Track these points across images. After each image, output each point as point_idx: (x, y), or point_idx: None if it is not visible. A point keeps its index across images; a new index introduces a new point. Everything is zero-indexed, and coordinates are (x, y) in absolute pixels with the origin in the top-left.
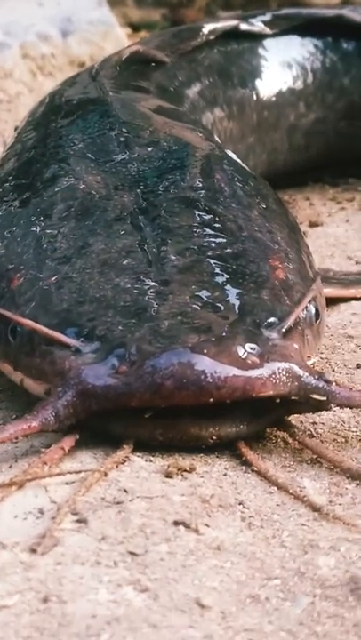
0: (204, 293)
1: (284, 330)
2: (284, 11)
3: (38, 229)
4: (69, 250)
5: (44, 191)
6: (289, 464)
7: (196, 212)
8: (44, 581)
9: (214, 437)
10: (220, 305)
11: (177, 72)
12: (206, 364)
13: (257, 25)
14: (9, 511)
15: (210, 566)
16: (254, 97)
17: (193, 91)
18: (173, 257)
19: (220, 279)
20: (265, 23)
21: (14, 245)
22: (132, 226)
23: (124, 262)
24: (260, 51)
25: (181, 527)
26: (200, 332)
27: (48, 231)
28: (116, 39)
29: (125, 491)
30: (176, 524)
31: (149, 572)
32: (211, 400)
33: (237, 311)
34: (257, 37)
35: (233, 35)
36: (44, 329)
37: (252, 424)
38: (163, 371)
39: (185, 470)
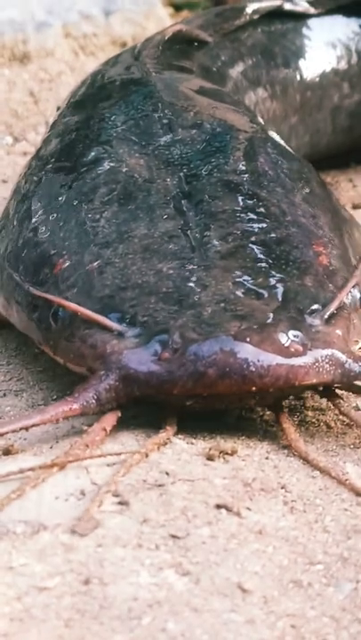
0: (247, 280)
1: (327, 316)
2: None
3: (81, 214)
4: (112, 235)
5: (86, 174)
6: (332, 448)
7: (240, 197)
8: (85, 563)
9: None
10: (263, 292)
11: (220, 52)
12: (249, 352)
13: (301, 4)
14: (50, 492)
15: (252, 550)
16: (298, 77)
17: (236, 71)
18: (216, 242)
19: (263, 265)
20: (309, 3)
21: (57, 230)
22: (175, 210)
23: (167, 247)
24: (304, 30)
25: (223, 510)
26: (243, 320)
27: (90, 215)
28: (159, 19)
29: (167, 473)
30: (218, 507)
31: (191, 555)
32: (253, 388)
33: (280, 298)
34: (301, 17)
35: (277, 14)
36: (88, 312)
37: None
38: (205, 359)
39: (227, 453)
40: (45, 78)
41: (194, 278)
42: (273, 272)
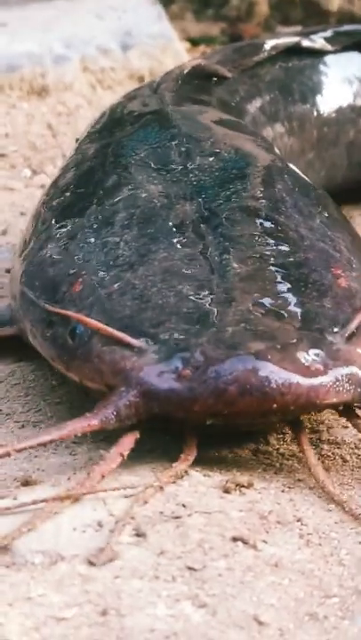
0: (266, 301)
1: (347, 336)
2: (345, 27)
3: (100, 236)
4: (131, 257)
5: (105, 199)
6: (347, 482)
7: (258, 221)
8: (103, 594)
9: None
10: (283, 312)
11: (238, 87)
12: (270, 371)
13: (318, 41)
14: (68, 523)
15: (268, 583)
16: (315, 113)
17: (254, 106)
18: (236, 265)
19: (282, 287)
20: (326, 39)
21: (76, 251)
22: (194, 234)
23: (187, 270)
24: (321, 67)
25: (239, 543)
26: (264, 339)
27: (110, 238)
28: (176, 53)
29: (184, 505)
30: (234, 539)
31: (207, 587)
32: (274, 406)
33: (300, 318)
34: (318, 54)
35: (294, 51)
36: (108, 328)
37: None
38: (227, 376)
39: (243, 486)
40: (63, 112)
41: (214, 300)
42: (292, 294)
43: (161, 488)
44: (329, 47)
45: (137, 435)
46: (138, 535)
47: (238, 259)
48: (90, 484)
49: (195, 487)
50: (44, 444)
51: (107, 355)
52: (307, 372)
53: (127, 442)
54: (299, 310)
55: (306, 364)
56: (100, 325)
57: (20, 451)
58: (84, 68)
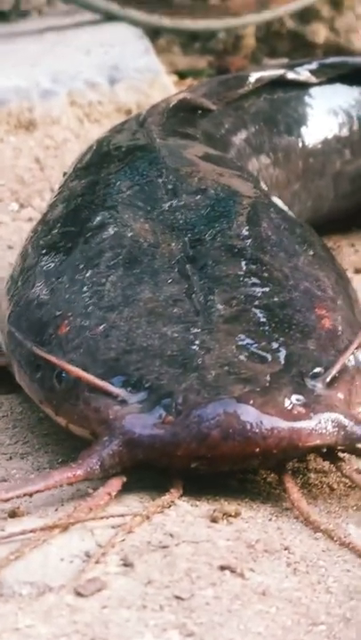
0: (250, 343)
1: (329, 379)
2: (331, 59)
3: (86, 277)
4: (117, 298)
5: (91, 238)
6: (334, 510)
7: (243, 261)
8: (91, 624)
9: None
10: (266, 355)
11: (224, 119)
12: (252, 415)
13: (303, 73)
14: (56, 554)
15: (255, 611)
16: (300, 144)
17: (239, 138)
18: (220, 306)
19: (266, 329)
20: (311, 72)
21: (62, 292)
22: (180, 274)
23: (171, 311)
24: (306, 98)
25: (227, 572)
26: (246, 383)
27: (96, 279)
28: (163, 87)
29: (171, 535)
30: (222, 568)
31: (195, 616)
32: (257, 450)
33: (283, 361)
34: (303, 86)
35: (279, 83)
36: (90, 377)
37: None
38: (209, 420)
39: (230, 515)
40: (51, 145)
41: (198, 342)
42: (276, 336)
43: (148, 518)
44: (314, 79)
45: (124, 478)
46: (125, 565)
47: (223, 300)
48: (77, 515)
49: (182, 517)
50: (30, 495)
51: (92, 402)
52: (289, 415)
53: (115, 483)
54: (282, 353)
55: (288, 407)
56: (82, 373)
57: (6, 500)
58: (71, 101)
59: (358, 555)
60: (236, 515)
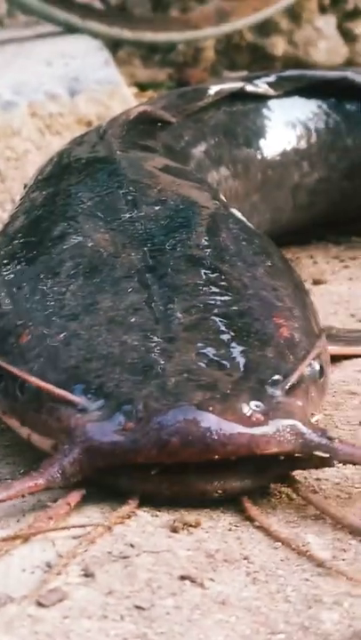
0: (209, 351)
1: (287, 387)
2: (289, 72)
3: (47, 286)
4: (77, 307)
5: (52, 249)
6: (293, 519)
7: (202, 271)
8: (52, 635)
9: (219, 491)
10: (225, 363)
11: (183, 132)
12: (212, 422)
13: (262, 86)
14: (17, 564)
15: (215, 620)
16: (259, 156)
17: (199, 150)
18: (180, 315)
19: (225, 337)
20: (270, 84)
21: (23, 302)
22: (140, 283)
23: (131, 320)
24: (265, 111)
25: (187, 582)
26: (206, 390)
27: (56, 288)
28: (123, 98)
29: (132, 545)
30: (182, 578)
31: (156, 626)
32: (216, 457)
33: (242, 369)
34: (262, 98)
35: (238, 96)
36: (50, 387)
37: (256, 479)
38: (169, 427)
39: (190, 525)
40: (12, 157)
41: (158, 349)
42: (235, 344)
43: (110, 529)
44: (272, 92)
45: (84, 491)
46: (86, 575)
47: (182, 308)
48: (38, 526)
49: (143, 527)
50: None
51: (54, 411)
52: (248, 422)
53: (75, 495)
54: (241, 360)
55: (247, 414)
56: (42, 383)
57: None
58: (32, 113)
59: (317, 564)
60: (197, 525)
